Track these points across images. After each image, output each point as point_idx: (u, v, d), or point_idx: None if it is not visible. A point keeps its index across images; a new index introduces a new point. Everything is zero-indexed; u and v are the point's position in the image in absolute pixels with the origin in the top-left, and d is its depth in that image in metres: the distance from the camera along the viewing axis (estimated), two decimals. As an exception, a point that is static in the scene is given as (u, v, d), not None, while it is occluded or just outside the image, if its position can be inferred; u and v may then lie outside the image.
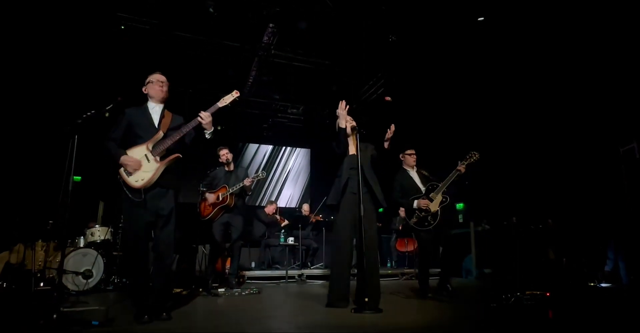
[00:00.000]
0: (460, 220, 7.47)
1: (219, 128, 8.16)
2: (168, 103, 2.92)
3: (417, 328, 2.53)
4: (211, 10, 5.54)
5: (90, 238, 4.70)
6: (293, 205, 9.69)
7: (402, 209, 5.72)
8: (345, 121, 3.26)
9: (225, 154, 4.63)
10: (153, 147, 2.68)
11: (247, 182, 4.40)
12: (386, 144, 3.30)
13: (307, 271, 6.13)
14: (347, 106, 3.26)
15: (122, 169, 2.64)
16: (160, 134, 2.72)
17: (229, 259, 4.74)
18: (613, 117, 5.12)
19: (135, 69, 6.30)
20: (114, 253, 4.74)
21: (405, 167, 4.19)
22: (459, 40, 6.03)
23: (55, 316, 2.33)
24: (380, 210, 3.46)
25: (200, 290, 4.24)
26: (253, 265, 6.98)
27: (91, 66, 6.31)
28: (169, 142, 2.69)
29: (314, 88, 7.94)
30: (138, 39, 6.16)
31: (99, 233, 4.74)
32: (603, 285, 4.73)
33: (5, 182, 5.47)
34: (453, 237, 6.26)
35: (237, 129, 8.92)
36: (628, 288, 4.54)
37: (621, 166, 4.91)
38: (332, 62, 7.11)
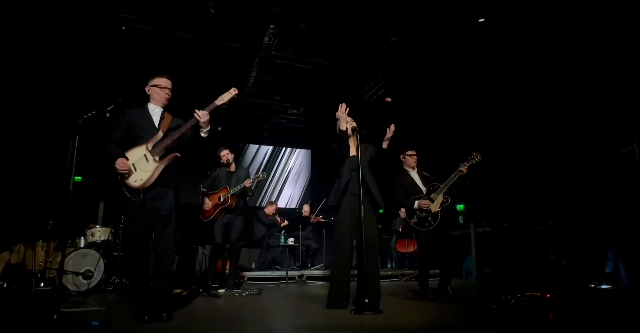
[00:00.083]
0: (461, 221, 7.47)
1: (219, 129, 8.22)
2: (168, 104, 2.92)
3: (417, 329, 2.53)
4: (212, 11, 5.55)
5: (91, 239, 4.70)
6: (293, 206, 9.69)
7: (402, 210, 5.71)
8: (345, 123, 3.27)
9: (225, 155, 4.63)
10: (152, 147, 2.68)
11: (247, 183, 4.40)
12: (385, 144, 3.30)
13: (307, 272, 6.13)
14: (347, 109, 3.26)
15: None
16: (160, 134, 2.72)
17: (228, 260, 4.73)
18: (613, 119, 5.12)
19: (136, 69, 6.32)
20: (114, 253, 4.74)
21: (405, 168, 4.19)
22: (459, 41, 6.03)
23: (55, 316, 2.33)
24: (381, 210, 3.46)
25: (200, 290, 4.24)
26: (253, 265, 6.98)
27: (91, 66, 6.32)
28: (167, 141, 2.69)
29: (314, 89, 7.94)
30: (138, 40, 6.16)
31: (99, 233, 4.74)
32: (603, 286, 4.73)
33: (5, 182, 5.48)
34: (453, 238, 6.27)
35: (238, 130, 8.93)
36: (628, 289, 4.53)
37: (621, 167, 4.90)
38: (332, 63, 7.12)
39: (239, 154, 9.18)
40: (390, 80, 7.33)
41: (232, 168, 4.69)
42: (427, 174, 4.18)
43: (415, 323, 2.71)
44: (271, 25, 6.04)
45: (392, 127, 3.30)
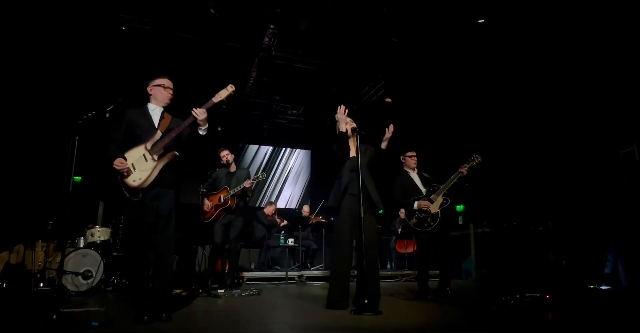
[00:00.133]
0: (460, 222, 7.47)
1: (219, 129, 8.20)
2: (170, 104, 2.93)
3: (416, 329, 2.53)
4: (212, 11, 5.55)
5: (90, 239, 4.70)
6: (293, 206, 9.70)
7: (402, 210, 5.72)
8: (345, 124, 3.27)
9: (225, 155, 4.63)
10: (151, 147, 2.69)
11: (247, 184, 4.40)
12: (384, 144, 3.30)
13: (306, 273, 6.13)
14: (347, 110, 3.27)
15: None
16: (159, 134, 2.73)
17: (227, 260, 4.74)
18: (613, 120, 5.12)
19: (136, 69, 6.32)
20: (114, 253, 4.74)
21: (406, 169, 4.19)
22: (459, 42, 6.04)
23: (55, 316, 2.33)
24: (380, 211, 3.46)
25: (200, 290, 4.24)
26: (253, 266, 6.99)
27: (91, 66, 6.31)
28: (166, 140, 2.69)
29: (314, 89, 7.95)
30: (138, 40, 6.16)
31: (99, 233, 4.74)
32: (603, 287, 4.73)
33: (5, 182, 5.47)
34: (453, 239, 6.27)
35: (238, 130, 8.93)
36: (628, 290, 4.54)
37: (621, 168, 4.91)
38: (332, 63, 7.12)
39: (238, 155, 9.19)
40: (390, 80, 7.33)
41: (232, 168, 4.69)
42: (427, 176, 4.19)
43: (415, 324, 2.71)
44: (271, 26, 6.04)
45: (391, 127, 3.31)
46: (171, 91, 2.88)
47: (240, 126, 8.93)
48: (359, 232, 3.00)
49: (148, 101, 2.89)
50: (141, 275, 2.68)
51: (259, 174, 4.63)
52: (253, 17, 5.85)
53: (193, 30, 6.16)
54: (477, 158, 3.96)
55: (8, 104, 5.69)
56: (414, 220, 3.95)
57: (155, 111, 2.85)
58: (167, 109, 2.90)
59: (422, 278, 3.95)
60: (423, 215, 3.90)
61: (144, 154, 2.67)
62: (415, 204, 3.94)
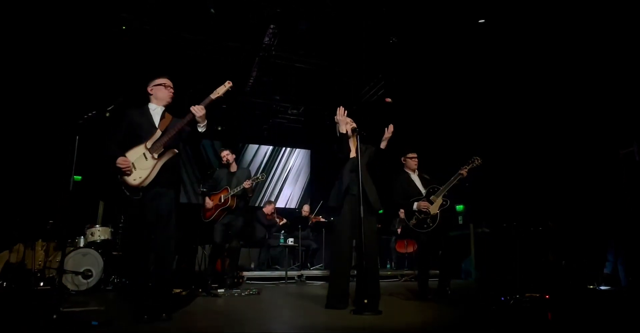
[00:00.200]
0: (460, 222, 7.47)
1: (219, 128, 8.19)
2: (171, 103, 2.93)
3: (416, 330, 2.54)
4: (212, 10, 5.55)
5: (91, 238, 4.71)
6: (293, 206, 9.70)
7: (402, 210, 5.73)
8: (344, 125, 3.27)
9: (225, 155, 4.64)
10: (151, 145, 2.69)
11: (246, 184, 4.40)
12: (383, 144, 3.31)
13: (306, 272, 6.13)
14: (346, 112, 3.27)
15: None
16: (159, 133, 2.73)
17: (227, 260, 4.74)
18: (613, 120, 5.13)
19: (136, 69, 6.32)
20: (114, 253, 4.75)
21: (406, 170, 4.20)
22: (459, 42, 6.04)
23: (55, 316, 2.34)
24: (380, 211, 3.46)
25: (200, 290, 4.24)
26: (253, 265, 6.99)
27: (91, 66, 6.31)
28: (165, 139, 2.70)
29: (314, 89, 7.95)
30: (138, 39, 6.16)
31: (99, 233, 4.74)
32: (602, 287, 4.73)
33: (5, 182, 5.48)
34: (453, 239, 6.27)
35: (238, 130, 8.93)
36: (627, 290, 4.54)
37: (621, 168, 4.91)
38: (332, 63, 7.12)
39: (238, 154, 9.19)
40: (390, 80, 7.33)
41: (233, 168, 4.70)
42: (427, 177, 4.19)
43: (415, 324, 2.71)
44: (271, 26, 6.04)
45: (391, 127, 3.31)
46: (172, 90, 2.90)
47: (240, 126, 8.93)
48: (359, 232, 3.01)
49: (148, 101, 2.90)
50: (141, 275, 2.68)
51: (258, 175, 4.62)
52: (253, 17, 5.85)
53: (193, 30, 6.15)
54: (478, 159, 3.96)
55: (9, 104, 5.69)
56: (413, 221, 3.95)
57: (156, 111, 2.86)
58: (167, 109, 2.91)
59: (422, 278, 3.95)
60: (422, 215, 3.90)
61: (144, 153, 2.68)
62: (415, 205, 3.94)
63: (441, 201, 3.92)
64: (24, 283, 4.13)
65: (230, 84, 2.80)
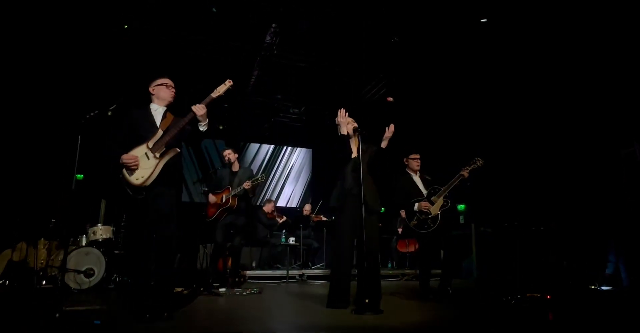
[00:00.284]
0: (462, 221, 7.47)
1: (220, 127, 8.19)
2: (172, 103, 2.94)
3: (417, 329, 2.54)
4: (214, 10, 5.55)
5: (92, 237, 4.72)
6: (294, 205, 9.70)
7: (403, 210, 5.73)
8: (346, 127, 3.27)
9: (227, 154, 4.65)
10: (153, 145, 2.70)
11: (246, 185, 4.41)
12: (384, 143, 3.30)
13: (308, 271, 6.14)
14: (347, 113, 3.27)
15: (124, 169, 2.66)
16: (160, 133, 2.74)
17: (229, 259, 4.75)
18: (614, 120, 5.12)
19: (136, 69, 6.33)
20: (116, 251, 4.76)
21: (408, 171, 4.20)
22: (461, 42, 6.02)
23: (57, 315, 2.35)
24: (382, 210, 3.47)
25: (202, 289, 4.25)
26: (254, 264, 7.00)
27: (93, 66, 6.32)
28: (166, 138, 2.71)
29: (315, 88, 7.94)
30: (138, 39, 6.16)
31: (101, 231, 4.76)
32: (604, 287, 4.73)
33: (8, 180, 5.50)
34: (454, 238, 6.27)
35: (239, 129, 8.93)
36: (629, 291, 4.53)
37: (622, 168, 4.90)
38: (333, 63, 7.11)
39: (240, 153, 9.19)
40: (391, 80, 7.31)
41: (235, 167, 4.70)
42: (428, 178, 4.20)
43: (416, 324, 2.72)
44: (273, 25, 6.04)
45: (392, 127, 3.30)
46: (173, 90, 2.92)
47: (241, 125, 8.94)
48: (360, 231, 3.01)
49: (150, 101, 2.90)
50: (143, 274, 2.69)
51: (258, 176, 4.61)
52: (254, 17, 5.85)
53: (193, 29, 6.15)
54: (479, 160, 3.96)
55: (12, 104, 5.71)
56: (414, 222, 3.95)
57: (157, 111, 2.87)
58: (169, 108, 2.91)
59: (424, 277, 3.96)
60: (423, 216, 3.90)
61: (145, 153, 2.69)
62: (416, 205, 3.94)
63: (442, 201, 3.92)
64: (26, 281, 4.15)
65: (231, 82, 2.81)
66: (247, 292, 4.14)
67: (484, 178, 4.52)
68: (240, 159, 9.06)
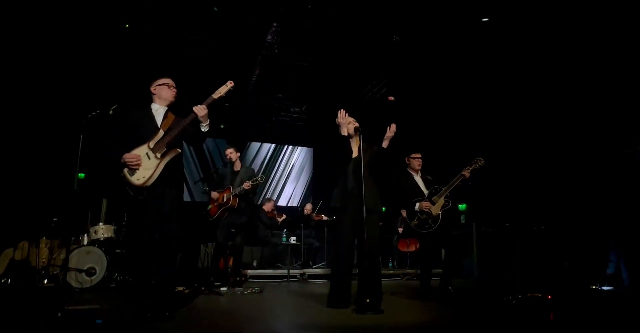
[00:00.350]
0: (463, 221, 7.47)
1: (221, 126, 8.19)
2: (174, 102, 2.94)
3: (418, 329, 2.55)
4: (215, 9, 5.55)
5: (94, 236, 4.73)
6: (295, 204, 9.71)
7: (404, 210, 5.73)
8: (346, 128, 3.27)
9: (229, 153, 4.66)
10: (154, 145, 2.71)
11: (246, 186, 4.41)
12: (385, 143, 3.30)
13: (308, 271, 6.15)
14: (347, 114, 3.27)
15: (125, 169, 2.66)
16: (161, 133, 2.74)
17: (231, 258, 4.76)
18: (615, 120, 5.11)
19: (137, 69, 6.32)
20: (117, 250, 4.77)
21: (409, 170, 4.19)
22: (463, 41, 6.01)
23: (59, 314, 2.35)
24: (383, 209, 3.47)
25: (203, 288, 4.26)
26: (255, 263, 7.01)
27: (94, 66, 6.32)
28: (168, 138, 2.72)
29: (316, 87, 7.94)
30: (138, 39, 6.15)
31: (102, 230, 4.77)
32: (605, 287, 4.72)
33: (10, 179, 5.51)
34: (455, 238, 6.27)
35: (240, 128, 8.93)
36: (630, 290, 4.53)
37: (623, 168, 4.89)
38: (333, 63, 7.10)
39: (241, 152, 9.19)
40: (392, 79, 7.30)
41: (237, 166, 4.71)
42: (430, 178, 4.19)
43: (417, 324, 2.72)
44: (274, 24, 6.03)
45: (393, 127, 3.29)
46: (175, 90, 2.92)
47: (242, 124, 8.94)
48: (361, 231, 3.01)
49: (151, 101, 2.90)
50: (144, 273, 2.69)
51: (257, 176, 4.62)
52: (255, 16, 5.84)
53: (194, 29, 6.14)
54: (481, 160, 3.95)
55: (13, 103, 5.72)
56: (415, 221, 3.95)
57: (159, 111, 2.87)
58: (170, 108, 2.91)
59: (424, 277, 3.96)
60: (424, 216, 3.90)
61: (146, 153, 2.69)
62: (417, 205, 3.94)
63: (443, 201, 3.92)
64: (28, 280, 4.16)
65: (232, 84, 2.81)
66: (248, 291, 4.15)
67: (485, 178, 4.51)
68: (241, 158, 9.07)
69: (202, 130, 2.78)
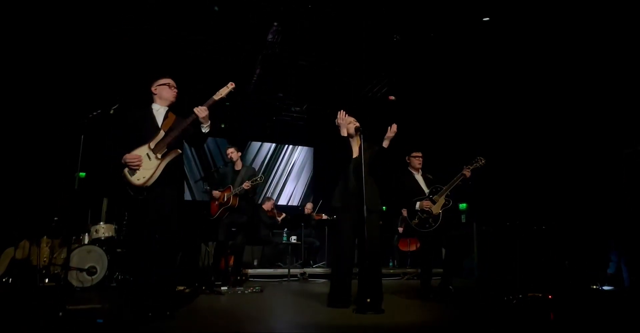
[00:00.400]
0: (463, 220, 7.47)
1: (222, 126, 8.19)
2: (174, 102, 2.94)
3: (418, 329, 2.55)
4: (216, 8, 5.54)
5: (95, 235, 4.74)
6: (295, 203, 9.71)
7: (404, 209, 5.73)
8: (346, 128, 3.27)
9: (230, 153, 4.66)
10: (155, 145, 2.71)
11: (245, 186, 4.42)
12: (386, 143, 3.29)
13: (309, 270, 6.15)
14: (347, 114, 3.27)
15: (126, 169, 2.66)
16: (162, 133, 2.75)
17: (231, 257, 4.77)
18: (617, 120, 5.10)
19: (137, 69, 6.32)
20: (118, 250, 4.78)
21: (410, 169, 4.19)
22: (463, 41, 6.01)
23: (60, 314, 2.36)
24: (384, 208, 3.47)
25: (203, 288, 4.26)
26: (256, 263, 7.02)
27: (94, 66, 6.32)
28: (168, 139, 2.72)
29: (317, 87, 7.93)
30: (139, 39, 6.15)
31: (103, 230, 4.78)
32: (605, 287, 4.72)
33: (11, 179, 5.52)
34: (455, 237, 6.26)
35: (240, 127, 8.93)
36: (630, 290, 4.53)
37: (624, 168, 4.89)
38: (335, 61, 7.10)
39: (241, 151, 9.19)
40: (392, 78, 7.29)
41: (238, 166, 4.71)
42: (430, 177, 4.19)
43: (417, 323, 2.73)
44: (275, 23, 6.02)
45: (394, 126, 3.29)
46: (176, 90, 2.93)
47: (242, 123, 8.94)
48: (361, 231, 3.01)
49: (152, 101, 2.91)
50: (145, 273, 2.70)
51: (257, 176, 4.62)
52: (255, 16, 5.84)
53: (194, 29, 6.14)
54: (481, 160, 3.95)
55: (14, 103, 5.72)
56: (415, 221, 3.95)
57: (159, 111, 2.88)
58: (171, 108, 2.92)
59: (425, 276, 3.96)
60: (425, 215, 3.90)
61: (147, 153, 2.69)
62: (417, 204, 3.94)
63: (444, 201, 3.91)
64: (29, 279, 4.17)
65: (233, 85, 2.82)
66: (249, 291, 4.16)
67: (485, 177, 4.51)
68: (241, 157, 9.09)
69: (203, 131, 2.79)
